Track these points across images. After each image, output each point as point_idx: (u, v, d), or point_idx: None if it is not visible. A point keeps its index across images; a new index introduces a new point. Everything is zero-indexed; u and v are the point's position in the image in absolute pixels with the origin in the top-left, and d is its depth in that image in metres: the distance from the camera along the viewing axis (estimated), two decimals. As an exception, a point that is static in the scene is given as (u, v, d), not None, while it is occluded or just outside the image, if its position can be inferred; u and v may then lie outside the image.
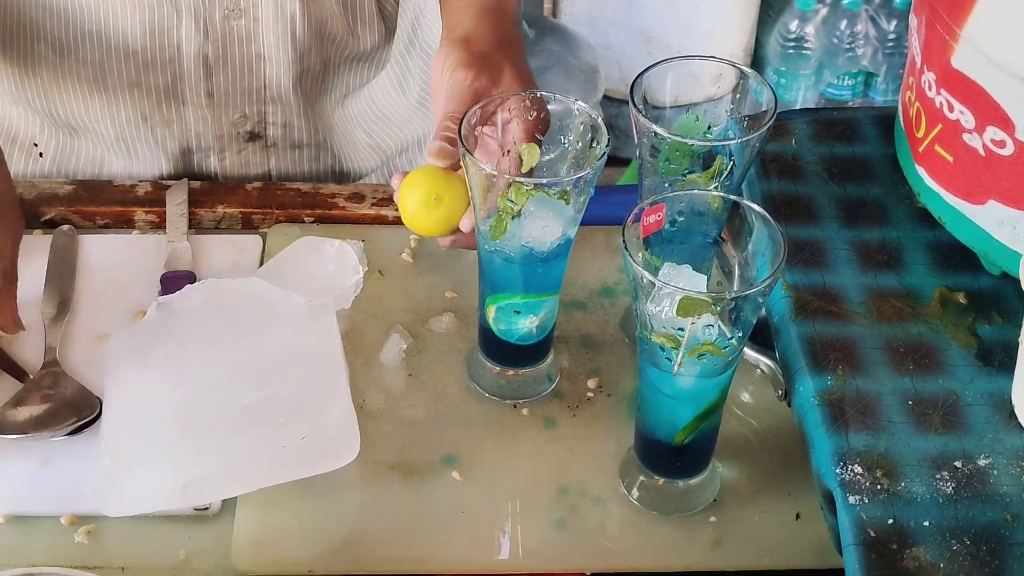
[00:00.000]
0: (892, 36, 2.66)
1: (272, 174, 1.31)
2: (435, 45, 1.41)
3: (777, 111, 0.95)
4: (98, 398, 1.01)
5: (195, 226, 1.19)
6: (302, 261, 1.11)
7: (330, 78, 1.31)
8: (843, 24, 2.67)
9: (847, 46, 2.68)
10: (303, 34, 1.23)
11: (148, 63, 1.21)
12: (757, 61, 2.79)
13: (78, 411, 1.01)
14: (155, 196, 1.19)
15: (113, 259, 1.15)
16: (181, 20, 1.18)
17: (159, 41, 1.19)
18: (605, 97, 2.58)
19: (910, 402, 0.89)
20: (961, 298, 0.96)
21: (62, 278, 1.12)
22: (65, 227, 1.17)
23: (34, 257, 1.13)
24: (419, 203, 1.00)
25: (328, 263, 1.10)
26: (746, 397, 1.04)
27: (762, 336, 0.98)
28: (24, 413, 1.00)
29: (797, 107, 2.62)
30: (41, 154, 1.27)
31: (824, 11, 2.68)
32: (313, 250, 1.11)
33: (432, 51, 1.41)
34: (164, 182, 1.21)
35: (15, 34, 1.20)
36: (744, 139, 0.94)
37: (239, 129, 1.27)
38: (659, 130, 0.93)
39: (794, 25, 2.69)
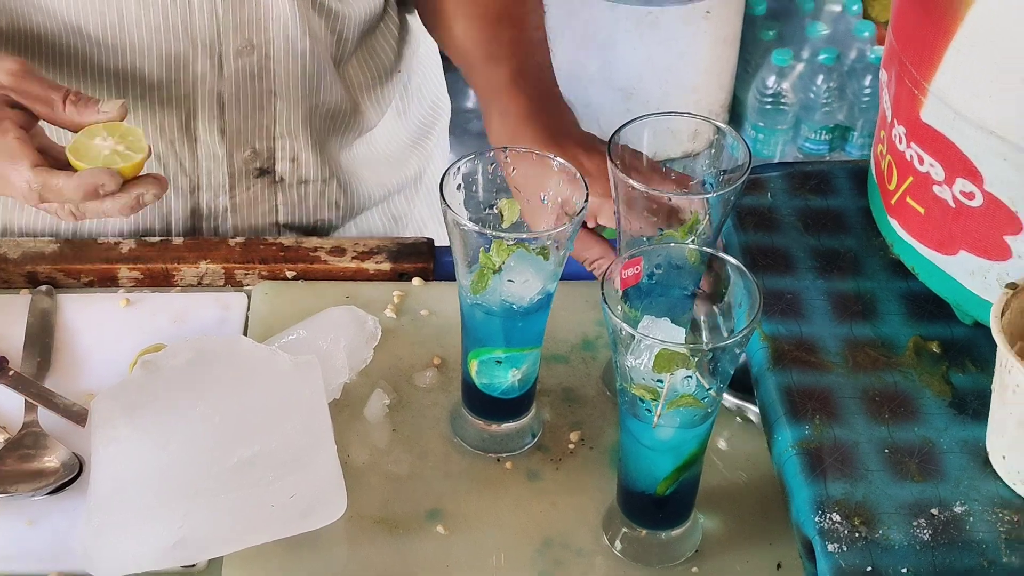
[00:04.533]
0: (867, 91, 2.69)
1: (279, 211, 1.33)
2: (428, 92, 1.46)
3: (752, 165, 0.97)
4: (78, 458, 1.02)
5: (178, 283, 1.20)
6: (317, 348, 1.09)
7: (338, 115, 1.33)
8: (819, 79, 2.70)
9: (824, 101, 2.71)
10: (313, 71, 1.25)
11: (164, 100, 1.22)
12: (735, 117, 2.82)
13: (57, 472, 1.01)
14: (139, 253, 1.20)
15: (95, 318, 1.15)
16: (197, 55, 1.20)
17: (175, 76, 1.20)
18: (585, 154, 2.60)
19: (886, 450, 0.90)
20: (935, 347, 0.97)
21: (41, 338, 1.12)
22: (44, 287, 1.17)
23: (14, 317, 1.14)
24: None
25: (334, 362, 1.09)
26: (725, 447, 1.05)
27: (743, 383, 0.99)
28: (3, 473, 1.01)
29: (775, 162, 2.65)
30: None
31: (800, 67, 2.71)
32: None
33: (427, 97, 1.45)
34: (147, 239, 1.22)
35: None
36: (719, 193, 0.95)
37: (249, 166, 1.28)
38: (636, 184, 0.94)
39: (771, 81, 2.72)
